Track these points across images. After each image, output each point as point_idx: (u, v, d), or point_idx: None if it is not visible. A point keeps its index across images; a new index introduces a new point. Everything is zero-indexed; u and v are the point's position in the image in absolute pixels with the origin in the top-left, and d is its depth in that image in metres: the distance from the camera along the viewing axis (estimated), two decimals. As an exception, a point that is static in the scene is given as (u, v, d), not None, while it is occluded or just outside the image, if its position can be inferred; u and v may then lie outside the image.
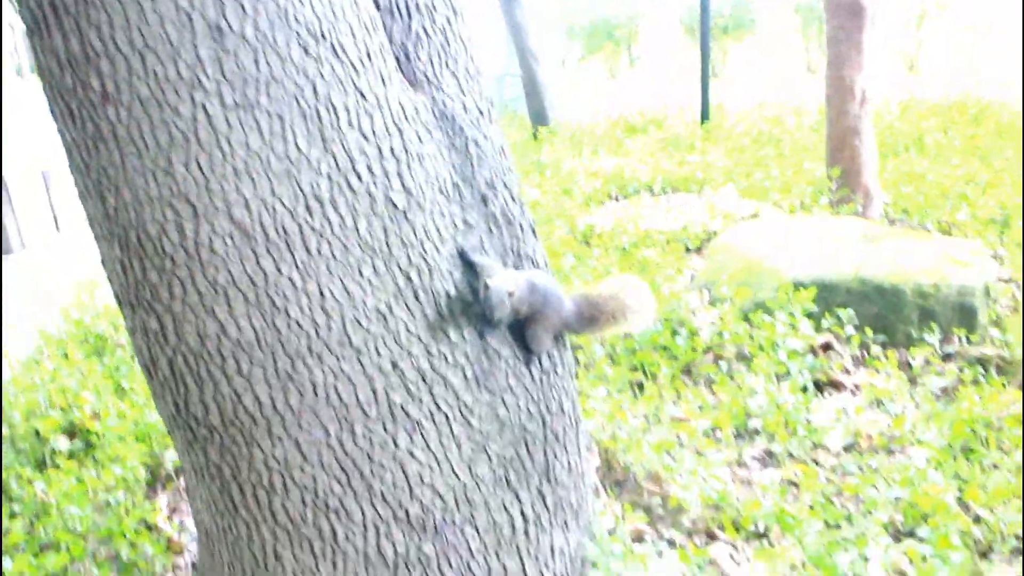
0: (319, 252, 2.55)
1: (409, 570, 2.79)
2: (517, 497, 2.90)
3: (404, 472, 2.74)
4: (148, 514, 4.14)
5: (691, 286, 6.05)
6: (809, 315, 5.23)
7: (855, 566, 3.67)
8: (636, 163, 9.10)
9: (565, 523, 3.05)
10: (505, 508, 2.88)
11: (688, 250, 6.78)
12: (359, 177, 2.59)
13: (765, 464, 4.44)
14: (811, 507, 3.99)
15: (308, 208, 2.52)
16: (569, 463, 3.05)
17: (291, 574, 2.81)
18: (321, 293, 2.57)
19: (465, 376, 2.78)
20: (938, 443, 4.30)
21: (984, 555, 3.77)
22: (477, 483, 2.83)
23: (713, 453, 4.42)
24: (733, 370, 5.15)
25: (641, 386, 5.12)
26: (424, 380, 2.72)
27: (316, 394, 2.63)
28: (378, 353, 2.65)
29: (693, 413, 4.62)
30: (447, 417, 2.76)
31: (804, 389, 4.80)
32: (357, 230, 2.59)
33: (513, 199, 3.04)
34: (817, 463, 4.42)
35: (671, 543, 3.86)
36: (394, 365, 2.67)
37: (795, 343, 5.01)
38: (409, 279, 2.67)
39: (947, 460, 4.18)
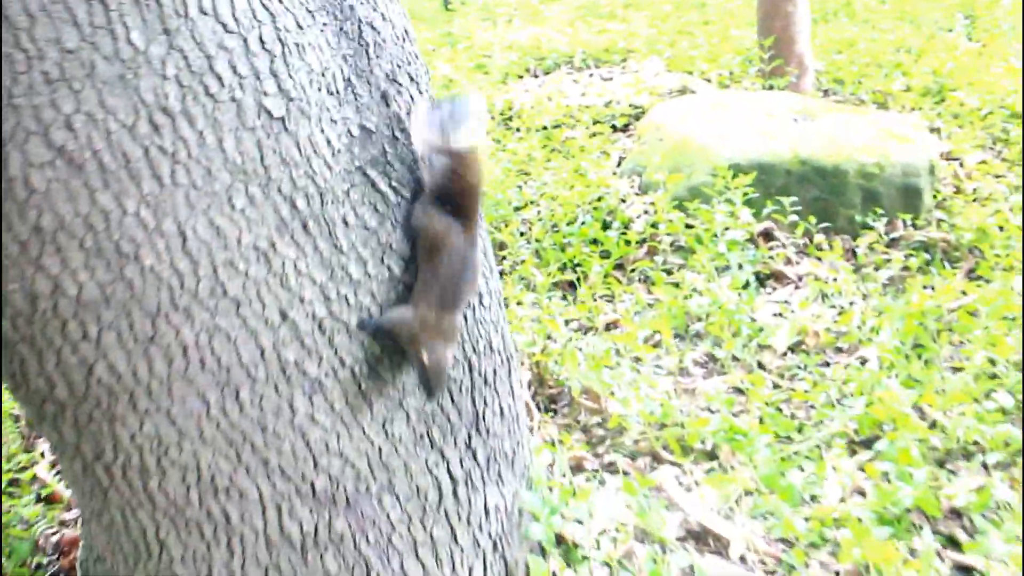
0: (174, 181, 1.96)
1: (320, 549, 2.35)
2: (442, 455, 2.46)
3: (305, 440, 2.25)
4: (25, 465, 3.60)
5: (620, 171, 5.57)
6: (747, 202, 4.82)
7: (810, 485, 3.40)
8: (554, 33, 8.39)
9: (499, 476, 2.63)
10: (429, 470, 2.44)
11: (615, 129, 6.26)
12: (219, 80, 1.98)
13: (709, 370, 4.10)
14: (761, 420, 3.69)
15: (153, 124, 1.92)
16: (502, 408, 2.61)
17: (180, 561, 2.34)
18: (181, 233, 2.00)
19: (372, 319, 2.27)
20: (890, 342, 4.01)
21: (941, 464, 3.54)
22: (394, 445, 2.37)
23: (652, 362, 4.06)
24: (669, 264, 4.76)
25: (573, 285, 4.70)
26: (321, 330, 2.20)
27: (187, 357, 2.09)
28: (261, 302, 2.12)
29: (629, 319, 4.23)
30: (353, 372, 2.27)
31: (746, 285, 4.44)
32: (222, 149, 2.00)
33: (421, 94, 2.46)
34: (762, 366, 4.11)
35: (612, 469, 3.52)
36: (283, 315, 2.15)
37: (735, 233, 4.62)
38: (295, 207, 2.12)
39: (899, 360, 3.91)
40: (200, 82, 1.95)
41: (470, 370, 2.49)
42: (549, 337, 4.01)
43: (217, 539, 2.30)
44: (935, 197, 5.04)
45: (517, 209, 5.30)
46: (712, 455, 3.56)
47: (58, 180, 1.88)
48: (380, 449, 2.35)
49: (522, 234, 5.11)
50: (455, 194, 2.26)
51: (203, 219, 2.01)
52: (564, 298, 4.61)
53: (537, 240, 4.90)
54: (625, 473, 3.49)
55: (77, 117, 1.85)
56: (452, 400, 2.46)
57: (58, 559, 3.13)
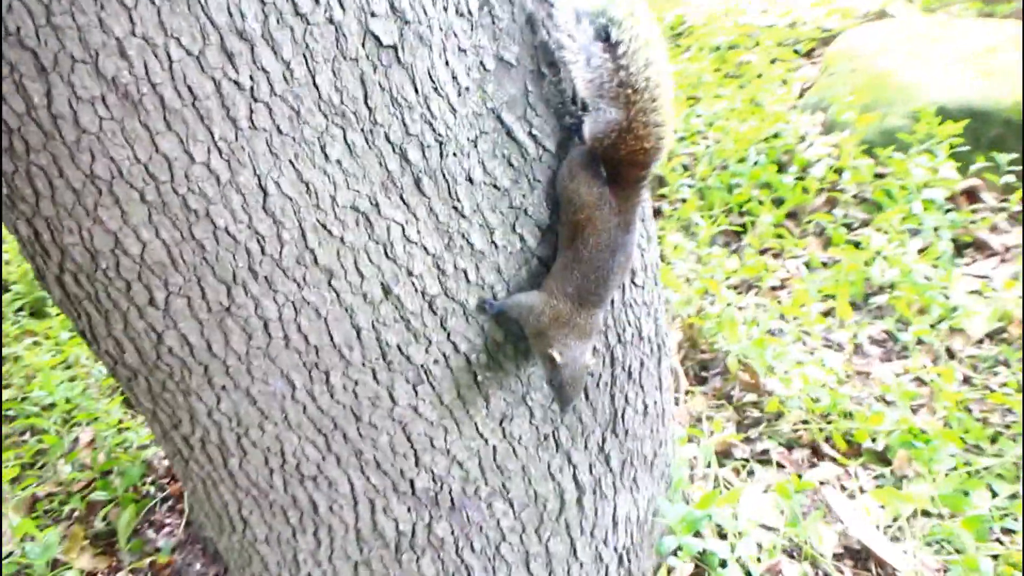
0: (252, 124, 1.47)
1: (416, 552, 1.92)
2: (569, 460, 1.95)
3: (406, 434, 1.80)
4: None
5: (801, 105, 4.73)
6: (953, 154, 3.94)
7: (1001, 515, 2.70)
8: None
9: (635, 481, 2.11)
10: (551, 475, 1.94)
11: (797, 54, 5.36)
12: (317, -6, 1.46)
13: (887, 351, 3.38)
14: (946, 422, 2.97)
15: (226, 52, 1.42)
16: (646, 405, 2.07)
17: (264, 541, 1.98)
18: (262, 188, 1.52)
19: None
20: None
21: None
22: (512, 446, 1.88)
23: (821, 334, 3.37)
24: (851, 218, 3.98)
25: (737, 234, 4.01)
26: (432, 310, 1.70)
27: (268, 333, 1.65)
28: (360, 274, 1.63)
29: (800, 281, 3.53)
30: (468, 361, 1.77)
31: (940, 255, 3.63)
32: (315, 85, 1.49)
33: (580, 18, 1.85)
34: (951, 353, 3.35)
35: (765, 458, 2.93)
36: (386, 291, 1.66)
37: (934, 192, 3.77)
38: (406, 160, 1.60)
39: None
40: (291, -5, 1.43)
41: (612, 363, 1.94)
42: (707, 293, 3.39)
43: (303, 526, 1.91)
44: None
45: (681, 140, 4.60)
46: (883, 458, 2.90)
47: (112, 119, 1.42)
48: (495, 449, 1.86)
49: (685, 169, 4.42)
50: (621, 149, 1.66)
51: (289, 172, 1.52)
52: (726, 246, 3.94)
53: (701, 179, 4.21)
54: (780, 466, 2.90)
55: (131, 42, 1.37)
56: (587, 397, 1.93)
57: (168, 483, 2.88)
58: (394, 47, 1.53)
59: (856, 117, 4.19)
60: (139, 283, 1.59)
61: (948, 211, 3.83)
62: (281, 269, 1.59)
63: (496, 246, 1.72)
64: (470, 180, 1.66)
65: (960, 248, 3.76)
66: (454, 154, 1.63)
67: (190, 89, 1.42)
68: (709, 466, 2.78)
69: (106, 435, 2.94)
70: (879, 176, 4.02)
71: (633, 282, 1.96)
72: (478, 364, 1.77)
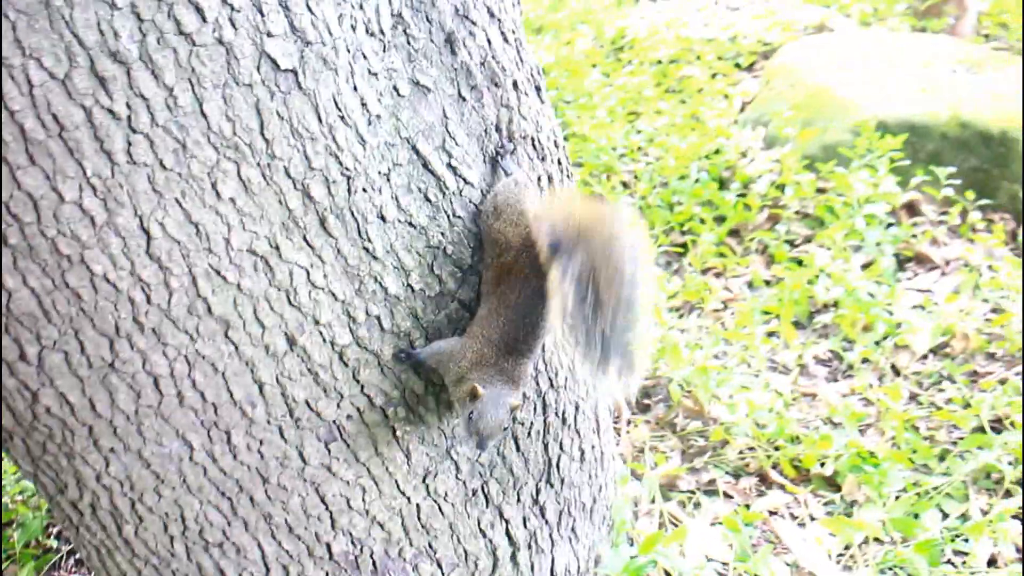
0: (131, 158, 1.29)
1: (337, 619, 1.74)
2: (500, 515, 1.79)
3: (320, 495, 1.62)
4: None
5: (742, 119, 4.66)
6: (893, 169, 3.88)
7: (952, 537, 2.61)
8: (677, -45, 7.30)
9: (573, 531, 1.96)
10: (482, 532, 1.78)
11: (739, 67, 5.30)
12: (199, 12, 1.27)
13: (833, 370, 3.29)
14: (894, 443, 2.89)
15: (97, 76, 1.24)
16: (582, 451, 1.92)
17: (169, 611, 1.78)
18: (144, 230, 1.33)
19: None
20: (1061, 354, 3.11)
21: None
22: (437, 503, 1.71)
23: (766, 354, 3.27)
24: (793, 234, 3.89)
25: (678, 254, 3.90)
26: (343, 361, 1.53)
27: (160, 391, 1.46)
28: (260, 325, 1.46)
29: (748, 305, 3.42)
30: (384, 415, 1.60)
31: (884, 273, 3.56)
32: (203, 115, 1.31)
33: (505, 37, 1.70)
34: (896, 370, 3.27)
35: (711, 488, 2.80)
36: (290, 342, 1.48)
37: (876, 207, 3.71)
38: (309, 197, 1.42)
39: (1075, 380, 3.02)
40: (169, 15, 1.25)
41: (544, 410, 1.79)
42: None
43: (211, 596, 1.71)
44: (1121, 174, 3.98)
45: (621, 157, 4.49)
46: (833, 482, 2.79)
47: (-37, 151, 1.23)
48: (418, 507, 1.70)
49: (625, 187, 4.31)
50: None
51: (175, 212, 1.34)
52: (667, 266, 3.83)
53: (642, 197, 4.09)
54: (727, 496, 2.78)
55: (-20, 62, 1.18)
56: (517, 447, 1.77)
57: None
58: (294, 71, 1.35)
59: (797, 132, 4.12)
60: (7, 336, 1.39)
61: (889, 226, 3.77)
62: (170, 320, 1.40)
63: (412, 289, 1.55)
64: (382, 218, 1.50)
65: (901, 262, 3.70)
66: (364, 189, 1.47)
67: (55, 118, 1.23)
68: (653, 501, 2.64)
69: (3, 483, 2.70)
70: (820, 191, 3.95)
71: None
72: (396, 418, 1.60)
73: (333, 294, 1.48)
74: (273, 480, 1.58)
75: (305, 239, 1.43)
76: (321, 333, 1.49)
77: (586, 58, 5.53)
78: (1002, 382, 3.11)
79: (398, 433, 1.62)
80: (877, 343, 3.27)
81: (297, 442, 1.55)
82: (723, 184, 4.08)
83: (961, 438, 2.93)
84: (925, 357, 3.32)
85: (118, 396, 1.45)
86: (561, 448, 1.84)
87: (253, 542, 1.64)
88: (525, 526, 1.83)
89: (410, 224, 1.52)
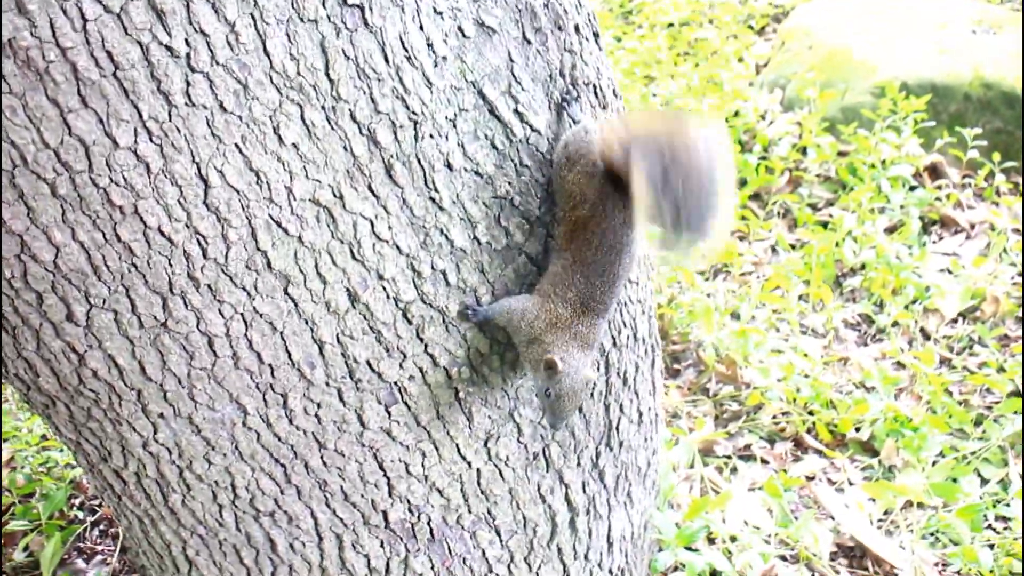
0: (189, 100, 1.19)
1: (391, 589, 1.67)
2: (560, 479, 1.72)
3: (378, 461, 1.54)
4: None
5: (758, 82, 4.56)
6: (917, 130, 3.80)
7: (993, 501, 2.57)
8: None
9: (629, 496, 1.89)
10: (542, 497, 1.70)
11: (751, 30, 5.19)
12: (264, -60, 1.17)
13: (862, 335, 3.24)
14: (930, 408, 2.83)
15: (156, 9, 1.13)
16: (640, 413, 1.84)
17: (214, 582, 1.70)
18: (202, 178, 1.24)
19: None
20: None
21: None
22: (498, 468, 1.63)
23: (796, 319, 3.21)
24: (815, 197, 3.82)
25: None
26: (407, 319, 1.44)
27: (215, 352, 1.37)
28: (322, 280, 1.36)
29: (780, 270, 3.34)
30: (448, 375, 1.52)
31: (911, 235, 3.49)
32: (266, 53, 1.21)
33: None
34: (926, 334, 3.22)
35: (747, 454, 2.75)
36: (352, 298, 1.39)
37: (900, 168, 3.63)
38: (375, 143, 1.33)
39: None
40: (232, -59, 1.14)
41: (607, 369, 1.71)
42: (676, 282, 3.19)
43: (259, 567, 1.64)
44: None
45: (637, 119, 4.37)
46: (869, 447, 2.74)
47: (11, 93, 1.12)
48: (478, 472, 1.62)
49: (642, 150, 4.20)
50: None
51: (235, 159, 1.24)
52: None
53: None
54: (763, 461, 2.72)
55: (27, -12, 1.07)
56: (580, 409, 1.69)
57: (100, 504, 2.56)
58: (360, 6, 1.25)
59: (817, 94, 4.03)
60: (53, 295, 1.29)
61: (912, 188, 3.70)
62: (227, 275, 1.31)
63: (479, 242, 1.46)
64: (449, 166, 1.40)
65: (926, 226, 3.64)
66: (431, 135, 1.37)
67: (110, 56, 1.13)
68: (692, 466, 2.58)
69: (26, 455, 2.60)
70: (841, 154, 3.87)
71: (630, 281, 1.73)
72: (459, 379, 1.52)
73: (398, 247, 1.39)
74: (330, 446, 1.50)
75: (370, 188, 1.34)
76: (385, 288, 1.40)
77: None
78: (1041, 350, 3.06)
79: (460, 395, 1.53)
80: (906, 307, 3.22)
81: (357, 405, 1.47)
82: (743, 147, 3.99)
83: (996, 402, 2.89)
84: (955, 321, 3.27)
85: (170, 358, 1.36)
86: (621, 410, 1.77)
87: (306, 510, 1.56)
88: (584, 491, 1.76)
89: (477, 173, 1.43)
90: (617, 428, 1.77)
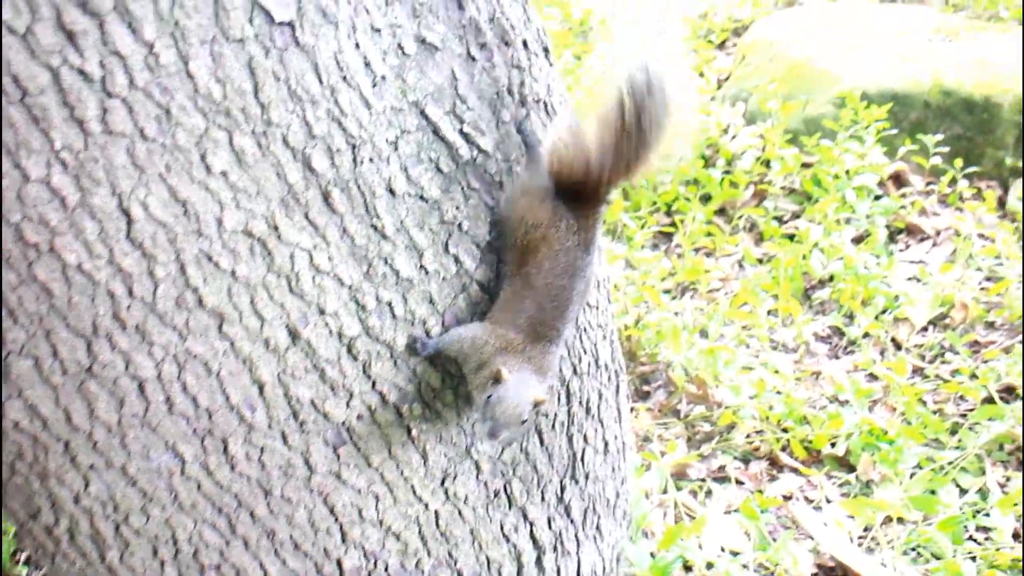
0: (106, 128, 1.11)
1: (349, 640, 1.57)
2: (524, 517, 1.64)
3: (328, 506, 1.45)
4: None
5: (720, 96, 4.55)
6: (880, 139, 3.80)
7: (973, 512, 2.53)
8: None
9: (598, 529, 1.82)
10: (505, 537, 1.63)
11: (711, 44, 5.20)
12: (181, -44, 1.10)
13: (834, 347, 3.20)
14: (904, 419, 2.80)
15: (66, 29, 1.06)
16: (606, 442, 1.77)
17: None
18: (124, 211, 1.16)
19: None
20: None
21: None
22: (457, 508, 1.55)
23: (766, 334, 3.17)
24: (780, 210, 3.80)
25: (663, 233, 3.78)
26: (352, 355, 1.37)
27: (145, 396, 1.28)
28: (259, 317, 1.29)
29: (747, 285, 3.31)
30: (398, 413, 1.44)
31: (878, 245, 3.48)
32: (189, 75, 1.14)
33: (514, -3, 1.54)
34: (897, 344, 3.20)
35: (721, 478, 2.68)
36: (293, 335, 1.32)
37: (865, 177, 3.62)
38: (310, 168, 1.26)
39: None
40: (146, -42, 1.08)
41: (568, 399, 1.64)
42: (644, 303, 3.14)
43: (208, 623, 1.54)
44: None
45: (600, 137, 4.34)
46: (845, 463, 2.70)
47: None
48: (437, 514, 1.54)
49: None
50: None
51: (159, 189, 1.16)
52: (655, 248, 3.70)
53: (624, 176, 3.95)
54: (738, 482, 2.66)
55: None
56: (541, 442, 1.62)
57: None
58: (291, 24, 1.19)
59: (779, 106, 4.02)
60: (-36, 344, 1.20)
61: (878, 197, 3.70)
62: (156, 315, 1.23)
63: (426, 271, 1.39)
64: (391, 192, 1.33)
65: (892, 234, 3.63)
66: (370, 159, 1.30)
67: (16, 81, 1.05)
68: (665, 492, 2.52)
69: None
70: (806, 166, 3.86)
71: (586, 303, 1.67)
72: (411, 416, 1.44)
73: (339, 279, 1.31)
74: (276, 492, 1.41)
75: (307, 217, 1.27)
76: (327, 324, 1.32)
77: (556, 41, 5.38)
78: (1006, 351, 3.05)
79: (414, 432, 1.46)
80: (877, 317, 3.19)
81: (302, 448, 1.39)
82: (707, 162, 3.96)
83: (970, 410, 2.86)
84: (925, 329, 3.24)
85: (98, 405, 1.27)
86: (585, 440, 1.70)
87: (254, 562, 1.47)
88: (550, 527, 1.68)
89: (421, 198, 1.36)
90: (582, 459, 1.70)
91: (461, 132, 1.40)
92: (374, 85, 1.29)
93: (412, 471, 1.48)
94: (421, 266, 1.38)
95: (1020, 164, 3.83)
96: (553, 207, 1.35)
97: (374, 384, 1.39)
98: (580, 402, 1.66)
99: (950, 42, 4.31)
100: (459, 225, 1.41)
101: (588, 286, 1.39)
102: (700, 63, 4.77)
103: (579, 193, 1.38)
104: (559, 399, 1.62)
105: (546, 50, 1.61)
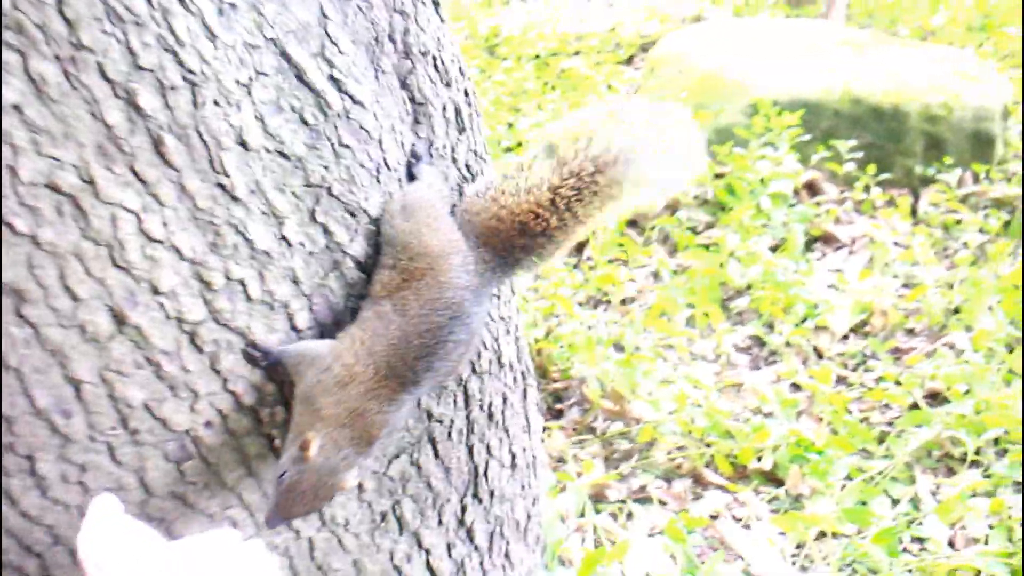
0: None
1: None
2: (419, 543, 1.40)
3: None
4: None
5: (629, 108, 4.45)
6: (793, 146, 3.75)
7: (907, 522, 2.40)
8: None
9: (507, 556, 1.59)
10: (396, 568, 1.38)
11: (620, 59, 5.13)
12: None
13: (754, 358, 3.07)
14: (832, 430, 2.67)
15: None
16: (513, 455, 1.55)
17: None
18: None
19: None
20: (981, 321, 3.01)
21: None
22: (335, 534, 1.30)
23: (684, 346, 3.02)
24: (694, 221, 3.69)
25: (579, 246, 3.62)
26: (196, 346, 1.11)
27: (-82, 402, 1.01)
28: (71, 295, 1.02)
29: (664, 292, 3.16)
30: (257, 418, 1.19)
31: (795, 252, 3.40)
32: None
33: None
34: (819, 353, 3.10)
35: (642, 499, 2.49)
36: (118, 319, 1.05)
37: (780, 184, 3.55)
38: (136, 108, 1.01)
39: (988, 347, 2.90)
40: None
41: (467, 403, 1.42)
42: (553, 314, 2.95)
43: None
44: (1007, 147, 4.01)
45: (508, 150, 4.20)
46: (773, 477, 2.55)
47: None
48: (311, 542, 1.29)
49: (513, 180, 4.00)
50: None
51: (-78, 125, 0.90)
52: (565, 262, 3.54)
53: (533, 188, 3.79)
54: (661, 503, 2.48)
55: None
56: (436, 453, 1.39)
57: None
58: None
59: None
60: None
61: (792, 205, 3.64)
62: (-73, 293, 0.96)
63: (288, 243, 1.16)
64: (243, 144, 1.10)
65: (808, 243, 3.56)
66: (215, 103, 1.07)
67: None
68: (583, 515, 2.31)
69: None
70: (718, 176, 3.77)
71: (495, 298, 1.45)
72: (273, 423, 1.20)
73: (177, 250, 1.07)
74: (103, 521, 1.14)
75: (133, 170, 1.02)
76: (162, 305, 1.07)
77: (464, 54, 5.24)
78: (929, 355, 2.98)
79: (276, 443, 1.21)
80: (797, 325, 3.09)
81: (135, 465, 1.12)
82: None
83: (897, 417, 2.77)
84: (846, 337, 3.16)
85: None
86: (489, 452, 1.48)
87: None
88: (450, 555, 1.45)
89: (282, 154, 1.13)
90: (485, 475, 1.48)
91: (331, 78, 1.18)
92: (220, 13, 1.06)
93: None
94: (282, 236, 1.14)
95: (929, 172, 3.84)
96: (449, 238, 1.18)
97: (225, 382, 1.14)
98: (481, 407, 1.44)
99: (857, 55, 4.33)
100: (329, 189, 1.18)
101: (471, 343, 1.18)
102: (608, 75, 4.69)
103: (492, 231, 1.22)
104: (455, 402, 1.39)
105: (436, 2, 1.41)
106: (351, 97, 1.20)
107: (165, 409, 1.11)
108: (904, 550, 2.34)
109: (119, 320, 1.06)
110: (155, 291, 1.07)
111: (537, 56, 5.14)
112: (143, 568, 0.93)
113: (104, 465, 1.11)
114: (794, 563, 2.27)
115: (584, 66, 4.81)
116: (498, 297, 1.46)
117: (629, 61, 5.21)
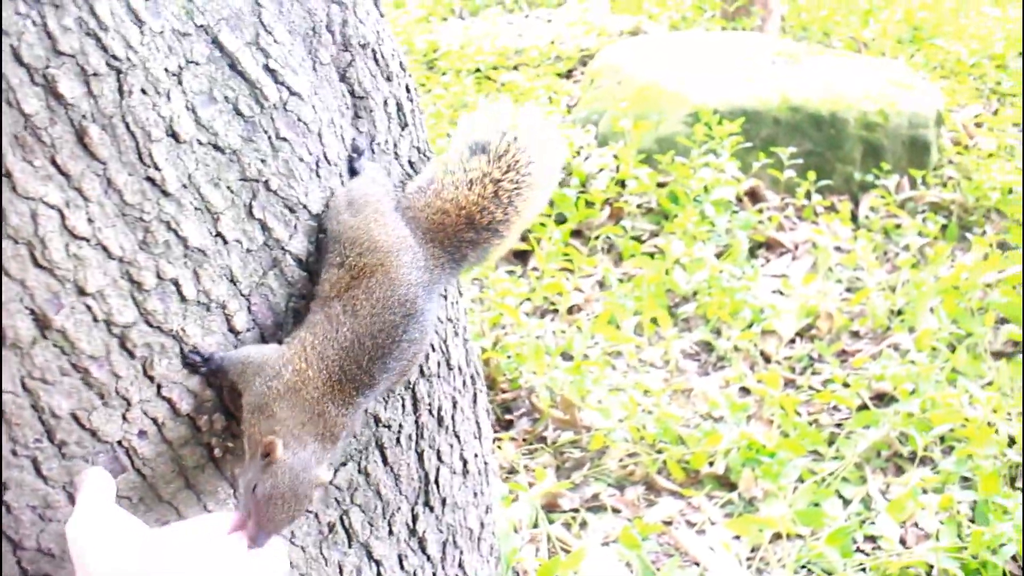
0: None
1: None
2: (369, 555, 1.35)
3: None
4: None
5: (570, 120, 4.48)
6: (734, 153, 3.81)
7: (859, 521, 2.43)
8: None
9: (461, 567, 1.54)
10: (345, 582, 1.33)
11: (559, 73, 5.17)
12: None
13: (703, 364, 3.09)
14: (783, 433, 2.69)
15: None
16: (464, 460, 1.52)
17: None
18: None
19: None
20: (923, 325, 3.07)
21: (1012, 484, 2.62)
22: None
23: (633, 353, 3.02)
24: (638, 230, 3.71)
25: (519, 255, 3.61)
26: (127, 350, 1.06)
27: None
28: (-12, 298, 0.97)
29: (612, 298, 3.16)
30: (194, 427, 1.13)
31: (740, 258, 3.44)
32: None
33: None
34: (766, 357, 3.13)
35: (596, 507, 2.47)
36: (41, 323, 1.00)
37: (723, 191, 3.60)
38: (56, 95, 0.96)
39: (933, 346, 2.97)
40: None
41: (415, 407, 1.38)
42: (502, 326, 2.93)
43: None
44: (941, 153, 4.13)
45: (449, 163, 4.16)
46: (726, 481, 2.55)
47: None
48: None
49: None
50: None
51: None
52: (510, 273, 3.52)
53: (476, 200, 3.77)
54: (615, 511, 2.46)
55: None
56: (384, 460, 1.34)
57: None
58: None
59: (631, 125, 3.97)
60: None
61: (735, 212, 3.68)
62: None
63: (224, 240, 1.11)
64: (174, 136, 1.05)
65: (751, 249, 3.61)
66: (143, 91, 1.02)
67: None
68: (536, 525, 2.28)
69: None
70: (661, 185, 3.81)
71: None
72: (212, 431, 1.14)
73: (105, 248, 1.01)
74: (28, 544, 1.07)
75: (55, 162, 0.97)
76: (89, 308, 1.02)
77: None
78: (874, 357, 3.03)
79: (216, 452, 1.15)
80: (743, 330, 3.12)
81: (63, 480, 1.06)
82: (561, 183, 3.84)
83: (845, 419, 2.80)
84: (792, 341, 3.20)
85: None
86: (440, 458, 1.44)
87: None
88: (402, 567, 1.40)
89: (216, 147, 1.09)
90: (436, 482, 1.44)
91: (267, 68, 1.14)
92: (146, -1, 1.02)
93: (218, 503, 1.17)
94: (217, 233, 1.10)
95: (868, 178, 3.93)
96: (399, 234, 1.15)
97: (159, 389, 1.08)
98: (430, 411, 1.40)
99: (793, 65, 4.43)
100: (266, 183, 1.14)
101: (424, 341, 1.14)
102: (548, 86, 4.71)
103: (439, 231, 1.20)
104: (403, 407, 1.35)
105: (374, -3, 1.38)
106: (288, 88, 1.17)
107: (95, 419, 1.05)
108: (858, 549, 2.37)
109: (42, 324, 1.00)
110: (81, 292, 1.01)
111: (477, 70, 5.14)
112: (125, 556, 0.90)
113: (28, 482, 1.04)
114: (750, 566, 2.27)
115: (524, 79, 4.82)
116: (445, 298, 1.43)
117: (569, 74, 5.25)
